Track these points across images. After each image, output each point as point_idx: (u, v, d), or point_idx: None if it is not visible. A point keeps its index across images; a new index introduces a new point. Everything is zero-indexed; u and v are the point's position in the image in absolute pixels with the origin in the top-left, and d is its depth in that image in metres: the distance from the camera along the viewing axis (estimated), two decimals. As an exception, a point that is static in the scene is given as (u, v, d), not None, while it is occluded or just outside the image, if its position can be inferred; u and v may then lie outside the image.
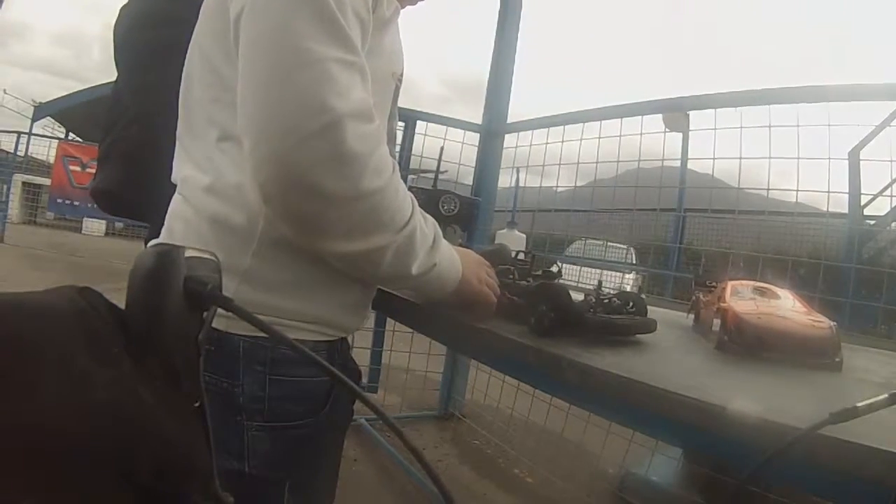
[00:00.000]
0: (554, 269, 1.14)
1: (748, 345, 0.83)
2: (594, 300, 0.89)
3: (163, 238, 0.77)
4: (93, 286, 0.31)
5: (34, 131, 9.62)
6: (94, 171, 1.38)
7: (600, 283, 0.98)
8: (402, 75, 0.89)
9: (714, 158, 2.07)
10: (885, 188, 2.82)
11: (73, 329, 0.28)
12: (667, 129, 2.32)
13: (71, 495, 0.26)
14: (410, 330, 1.58)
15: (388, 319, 2.64)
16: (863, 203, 3.60)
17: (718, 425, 0.55)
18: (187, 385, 0.34)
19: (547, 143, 2.57)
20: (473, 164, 2.97)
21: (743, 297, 0.93)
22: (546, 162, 2.59)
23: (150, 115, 1.10)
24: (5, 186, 9.31)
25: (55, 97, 10.19)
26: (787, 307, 0.90)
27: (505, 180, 3.07)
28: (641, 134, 2.24)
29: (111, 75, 1.30)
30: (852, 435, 0.47)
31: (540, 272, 1.06)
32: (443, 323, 0.94)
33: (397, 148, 2.82)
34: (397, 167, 0.70)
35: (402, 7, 0.84)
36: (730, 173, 2.18)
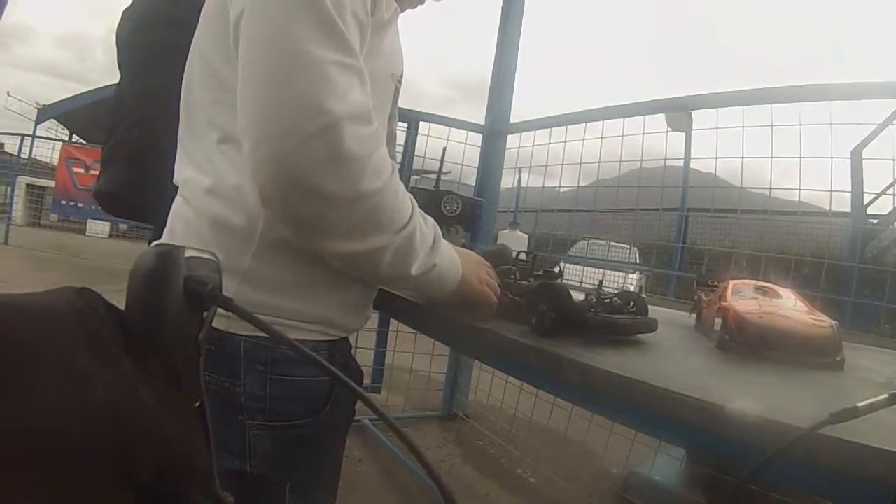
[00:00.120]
0: (556, 269, 1.14)
1: (750, 344, 0.83)
2: (595, 300, 0.89)
3: (164, 239, 0.77)
4: (95, 287, 0.31)
5: (38, 133, 9.67)
6: (97, 172, 1.39)
7: (601, 282, 0.98)
8: (401, 76, 0.90)
9: (717, 158, 2.07)
10: (888, 187, 2.81)
11: (73, 330, 0.28)
12: (669, 129, 2.32)
13: (71, 496, 0.26)
14: (413, 330, 1.58)
15: (392, 320, 2.64)
16: (866, 202, 3.60)
17: (719, 425, 0.55)
18: (187, 385, 0.34)
19: (549, 144, 2.57)
20: (476, 165, 2.97)
21: (745, 297, 0.93)
22: (549, 162, 2.60)
23: (153, 118, 1.11)
24: (9, 188, 9.33)
25: (59, 99, 10.23)
26: (788, 306, 0.90)
27: (508, 181, 3.07)
28: (644, 134, 2.24)
29: (114, 78, 1.30)
30: (853, 435, 0.47)
31: (541, 272, 1.06)
32: (444, 323, 0.94)
33: (399, 149, 2.82)
34: (396, 168, 0.70)
35: (402, 10, 0.84)
36: (733, 172, 2.18)
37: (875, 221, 4.23)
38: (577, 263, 3.28)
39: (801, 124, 1.75)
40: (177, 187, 0.81)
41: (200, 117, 0.76)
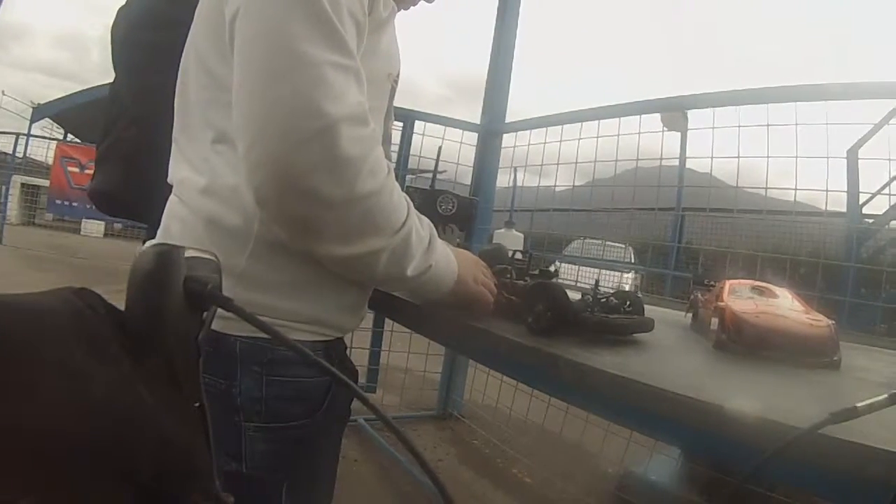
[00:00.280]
0: (551, 268, 1.13)
1: (746, 344, 0.83)
2: (591, 299, 0.89)
3: (159, 238, 0.77)
4: (92, 287, 0.30)
5: (33, 132, 9.62)
6: (92, 172, 1.38)
7: (597, 282, 0.98)
8: (398, 76, 0.89)
9: (712, 157, 2.08)
10: (884, 186, 2.82)
11: (72, 330, 0.28)
12: (665, 129, 2.32)
13: (71, 496, 0.26)
14: (409, 330, 1.58)
15: (387, 319, 2.64)
16: (861, 202, 3.60)
17: (717, 425, 0.55)
18: (187, 385, 0.33)
19: (545, 143, 2.57)
20: (472, 164, 2.97)
21: (741, 297, 0.93)
22: (544, 161, 2.60)
23: (148, 117, 1.10)
24: (4, 188, 9.29)
25: (53, 98, 10.19)
26: (785, 306, 0.90)
27: (503, 180, 3.07)
28: (640, 133, 2.24)
29: (111, 77, 1.30)
30: (852, 435, 0.47)
31: (537, 271, 1.06)
32: (440, 323, 0.94)
33: (395, 148, 2.81)
34: (392, 169, 0.70)
35: (399, 10, 0.84)
36: (728, 172, 2.19)
37: (871, 221, 4.24)
38: (573, 263, 3.28)
39: (797, 124, 1.76)
40: (171, 186, 0.80)
41: (195, 116, 0.76)
